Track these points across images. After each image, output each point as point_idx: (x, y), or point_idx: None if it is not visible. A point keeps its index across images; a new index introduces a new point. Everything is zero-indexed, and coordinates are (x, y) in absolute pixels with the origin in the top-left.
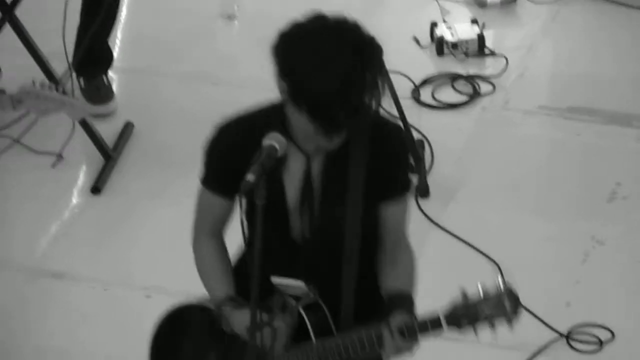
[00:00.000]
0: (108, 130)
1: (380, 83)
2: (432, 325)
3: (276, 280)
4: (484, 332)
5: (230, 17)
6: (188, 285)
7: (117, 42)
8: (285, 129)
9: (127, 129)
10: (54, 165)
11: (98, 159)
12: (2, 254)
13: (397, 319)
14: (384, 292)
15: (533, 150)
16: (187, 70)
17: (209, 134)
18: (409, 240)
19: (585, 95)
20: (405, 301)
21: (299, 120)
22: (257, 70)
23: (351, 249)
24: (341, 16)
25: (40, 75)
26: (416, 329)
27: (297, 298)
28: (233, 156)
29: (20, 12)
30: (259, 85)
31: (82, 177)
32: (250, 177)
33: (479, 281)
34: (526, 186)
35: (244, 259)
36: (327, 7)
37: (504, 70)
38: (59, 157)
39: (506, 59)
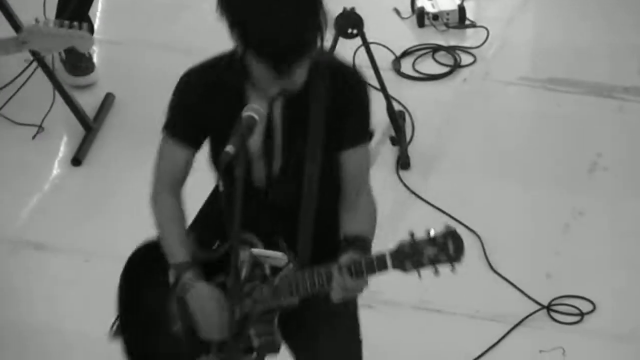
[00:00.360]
0: (89, 102)
1: (324, 20)
2: (379, 264)
3: (256, 251)
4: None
5: None
6: None
7: (97, 13)
8: (246, 74)
9: (107, 100)
10: (34, 137)
11: (79, 130)
12: None
13: (346, 258)
14: (342, 236)
15: (514, 121)
16: (168, 41)
17: (179, 81)
18: (370, 188)
19: (566, 66)
20: (360, 243)
21: (253, 66)
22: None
23: (310, 191)
24: None
25: None
26: (363, 268)
27: (276, 269)
28: (198, 104)
29: None
30: None
31: (63, 149)
32: (229, 148)
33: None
34: (507, 157)
35: (209, 208)
36: None
37: (485, 41)
38: (40, 128)
39: (487, 30)
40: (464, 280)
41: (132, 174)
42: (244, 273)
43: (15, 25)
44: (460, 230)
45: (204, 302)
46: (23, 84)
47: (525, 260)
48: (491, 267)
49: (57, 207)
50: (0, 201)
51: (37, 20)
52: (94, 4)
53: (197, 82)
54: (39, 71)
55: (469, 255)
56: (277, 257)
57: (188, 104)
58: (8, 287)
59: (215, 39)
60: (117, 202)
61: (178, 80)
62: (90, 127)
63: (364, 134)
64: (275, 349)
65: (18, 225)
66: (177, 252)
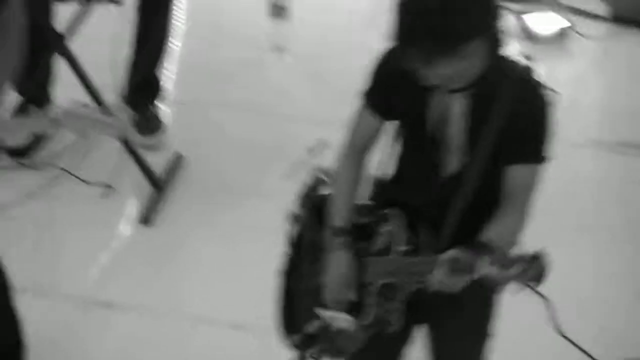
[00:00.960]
0: (158, 162)
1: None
2: (471, 266)
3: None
4: None
5: (281, 50)
6: (235, 316)
7: (168, 73)
8: None
9: (177, 160)
10: (103, 196)
11: (148, 189)
12: (52, 284)
13: (453, 252)
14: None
15: (583, 183)
16: (237, 101)
17: (379, 53)
18: (527, 209)
19: (636, 129)
20: (483, 247)
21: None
22: (306, 102)
23: (465, 192)
24: None
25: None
26: (460, 266)
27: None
28: (394, 81)
29: (71, 43)
30: (307, 116)
31: (132, 208)
32: None
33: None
34: (577, 220)
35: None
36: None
37: (554, 103)
38: (109, 187)
39: (556, 92)
40: (531, 343)
41: (201, 233)
42: (377, 245)
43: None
44: (529, 292)
45: (338, 268)
46: (93, 143)
47: (595, 324)
48: (560, 332)
49: (126, 265)
50: (69, 260)
51: (73, 103)
52: (164, 63)
53: (397, 56)
54: None
55: (536, 318)
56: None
57: (387, 80)
58: (78, 346)
59: (284, 101)
60: (186, 261)
61: (382, 52)
62: (159, 186)
63: (537, 155)
64: (387, 327)
65: (88, 284)
66: (339, 215)
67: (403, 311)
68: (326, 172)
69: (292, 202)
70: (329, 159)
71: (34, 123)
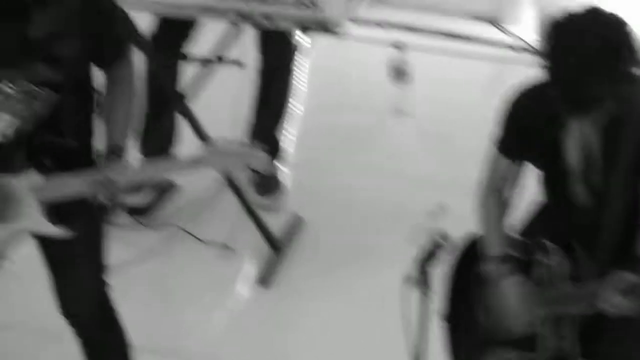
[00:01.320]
0: (277, 223)
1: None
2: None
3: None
4: None
5: (402, 113)
6: None
7: (289, 135)
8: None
9: (296, 222)
10: (221, 256)
11: (266, 251)
12: (168, 343)
13: (617, 277)
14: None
15: None
16: (357, 164)
17: (506, 102)
18: None
19: None
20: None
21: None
22: (426, 166)
23: (612, 218)
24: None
25: None
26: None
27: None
28: (524, 124)
29: (192, 103)
30: (427, 180)
31: (250, 269)
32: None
33: None
34: None
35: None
36: None
37: None
38: (227, 247)
39: None
40: None
41: (318, 296)
42: (538, 275)
43: (202, 136)
44: None
45: (516, 292)
46: (212, 204)
47: None
48: None
49: (243, 327)
50: (186, 320)
51: (212, 139)
52: (285, 125)
53: (524, 104)
54: (229, 191)
55: None
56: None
57: (516, 124)
58: None
59: (405, 164)
60: (303, 324)
61: (509, 99)
62: (278, 248)
63: None
64: (563, 353)
65: (204, 345)
66: (495, 245)
67: (576, 338)
68: (445, 237)
69: (411, 266)
70: (449, 223)
71: (175, 165)
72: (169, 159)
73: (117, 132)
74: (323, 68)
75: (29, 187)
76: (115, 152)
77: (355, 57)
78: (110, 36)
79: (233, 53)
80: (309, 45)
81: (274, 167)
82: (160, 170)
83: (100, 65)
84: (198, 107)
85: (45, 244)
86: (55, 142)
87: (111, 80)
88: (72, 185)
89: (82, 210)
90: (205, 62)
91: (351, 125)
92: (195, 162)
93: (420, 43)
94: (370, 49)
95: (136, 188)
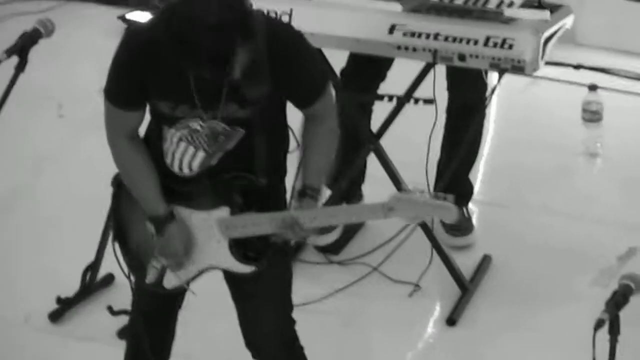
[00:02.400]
0: (466, 262)
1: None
2: None
3: None
4: None
5: (593, 155)
6: None
7: (478, 175)
8: None
9: (485, 262)
10: (411, 295)
11: (454, 290)
12: None
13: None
14: None
15: None
16: (546, 205)
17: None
18: None
19: None
20: None
21: None
22: (616, 208)
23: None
24: None
25: None
26: None
27: None
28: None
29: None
30: (617, 222)
31: (438, 308)
32: None
33: None
34: None
35: None
36: None
37: None
38: (416, 286)
39: None
40: None
41: (505, 336)
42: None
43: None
44: None
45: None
46: (402, 242)
47: None
48: None
49: None
50: (374, 357)
51: (403, 189)
52: (475, 166)
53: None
54: (419, 230)
55: None
56: None
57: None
58: None
59: (594, 206)
60: None
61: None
62: (466, 287)
63: None
64: None
65: None
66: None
67: None
68: (636, 280)
69: (600, 310)
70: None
71: (365, 212)
72: (360, 206)
73: (313, 173)
74: (512, 106)
75: (219, 223)
76: (309, 193)
77: (546, 96)
78: (302, 78)
79: (421, 91)
80: (498, 83)
81: (466, 210)
82: (349, 217)
83: (297, 105)
84: (388, 145)
85: (233, 278)
86: (247, 180)
87: (310, 120)
88: (261, 224)
89: (270, 247)
90: (398, 100)
91: (540, 165)
92: (386, 210)
93: (614, 84)
94: (562, 88)
95: (326, 229)
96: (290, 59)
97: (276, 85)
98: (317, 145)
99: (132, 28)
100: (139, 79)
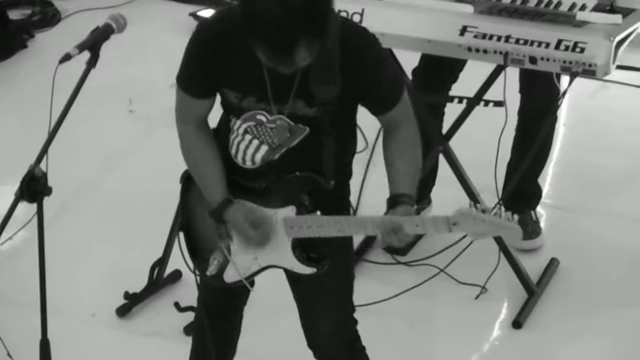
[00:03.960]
0: (533, 265)
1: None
2: None
3: None
4: None
5: None
6: None
7: (547, 178)
8: None
9: (552, 265)
10: (477, 297)
11: (521, 293)
12: None
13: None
14: None
15: None
16: (615, 209)
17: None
18: None
19: None
20: None
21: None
22: None
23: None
24: None
25: None
26: None
27: None
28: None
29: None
30: None
31: (504, 311)
32: None
33: None
34: None
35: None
36: None
37: None
38: (483, 289)
39: None
40: None
41: (570, 340)
42: None
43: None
44: None
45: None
46: (469, 244)
47: None
48: None
49: None
50: (440, 359)
51: (470, 204)
52: (545, 169)
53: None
54: None
55: None
56: None
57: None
58: None
59: None
60: None
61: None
62: (533, 290)
63: None
64: None
65: None
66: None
67: None
68: None
69: None
70: None
71: (429, 224)
72: (424, 217)
73: (404, 181)
74: (583, 109)
75: (284, 222)
76: (404, 201)
77: (617, 100)
78: (377, 84)
79: (493, 93)
80: (569, 86)
81: (534, 213)
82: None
83: (373, 112)
84: (458, 147)
85: (295, 278)
86: (315, 181)
87: (388, 128)
88: (328, 226)
89: (333, 248)
90: (468, 102)
91: (609, 169)
92: (450, 225)
93: None
94: (633, 92)
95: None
96: (364, 64)
97: (348, 90)
98: (401, 153)
99: (206, 18)
100: (211, 67)
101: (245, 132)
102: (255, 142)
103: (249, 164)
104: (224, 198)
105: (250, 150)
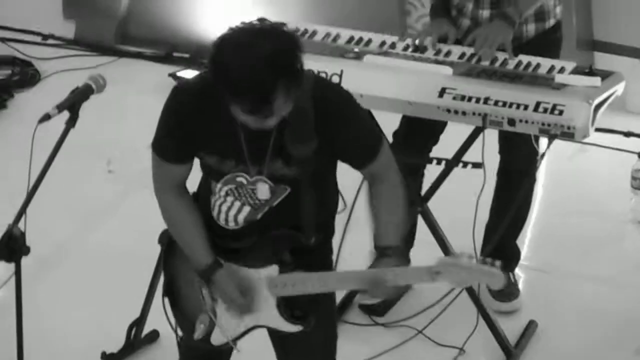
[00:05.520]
0: (511, 327)
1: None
2: None
3: None
4: None
5: None
6: None
7: (526, 239)
8: None
9: (530, 327)
10: (455, 359)
11: (499, 355)
12: None
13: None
14: None
15: None
16: (593, 272)
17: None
18: None
19: None
20: None
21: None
22: None
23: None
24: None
25: None
26: None
27: None
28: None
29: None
30: None
31: None
32: None
33: None
34: None
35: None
36: None
37: None
38: (461, 350)
39: None
40: None
41: None
42: None
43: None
44: None
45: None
46: (447, 306)
47: None
48: None
49: None
50: None
51: (451, 254)
52: (523, 231)
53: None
54: (464, 294)
55: None
56: None
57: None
58: None
59: None
60: None
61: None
62: (511, 353)
63: None
64: None
65: None
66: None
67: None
68: None
69: None
70: None
71: (412, 275)
72: (406, 268)
73: (388, 233)
74: (561, 172)
75: (268, 281)
76: (388, 253)
77: (595, 163)
78: (353, 139)
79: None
80: (547, 148)
81: (512, 275)
82: (395, 279)
83: (353, 166)
84: (436, 209)
85: (278, 336)
86: (295, 238)
87: (371, 181)
88: (309, 283)
89: (318, 304)
90: (446, 163)
91: (588, 232)
92: (433, 274)
93: None
94: (611, 154)
95: None
96: (339, 120)
97: (325, 146)
98: (384, 205)
99: (181, 82)
100: (187, 133)
101: (227, 194)
102: (237, 203)
103: (231, 225)
104: (213, 260)
105: (232, 212)
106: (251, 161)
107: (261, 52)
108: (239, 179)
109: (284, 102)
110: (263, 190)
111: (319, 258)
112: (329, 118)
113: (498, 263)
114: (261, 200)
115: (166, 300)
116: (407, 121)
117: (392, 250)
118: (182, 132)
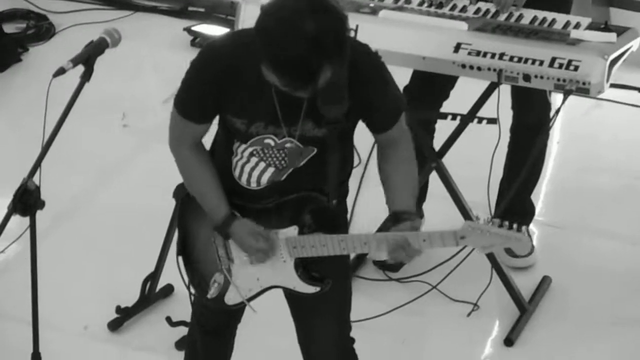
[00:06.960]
0: (525, 283)
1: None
2: None
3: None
4: None
5: None
6: None
7: (540, 195)
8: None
9: (544, 283)
10: (469, 314)
11: (513, 310)
12: None
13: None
14: None
15: None
16: (607, 228)
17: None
18: None
19: None
20: None
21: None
22: None
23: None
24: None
25: None
26: None
27: None
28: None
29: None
30: None
31: (496, 328)
32: None
33: None
34: None
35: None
36: None
37: None
38: (475, 306)
39: None
40: None
41: (564, 359)
42: None
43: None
44: None
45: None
46: (462, 261)
47: None
48: None
49: None
50: None
51: (477, 217)
52: (537, 186)
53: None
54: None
55: None
56: None
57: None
58: None
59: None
60: None
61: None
62: (525, 308)
63: None
64: None
65: None
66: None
67: None
68: None
69: None
70: None
71: (436, 239)
72: (431, 232)
73: (404, 197)
74: (576, 127)
75: (286, 242)
76: (406, 217)
77: (610, 119)
78: (382, 103)
79: (485, 109)
80: (562, 104)
81: (527, 230)
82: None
83: (375, 130)
84: (450, 165)
85: (293, 296)
86: (318, 201)
87: (385, 147)
88: (334, 245)
89: (334, 266)
90: (461, 119)
91: (602, 187)
92: (458, 239)
93: None
94: (626, 110)
95: None
96: (371, 85)
97: (354, 108)
98: (399, 170)
99: (213, 43)
100: (214, 95)
101: (251, 154)
102: (262, 164)
103: (254, 186)
104: (229, 212)
105: (255, 172)
106: (284, 122)
107: (307, 33)
108: (266, 140)
109: (327, 79)
110: (293, 151)
111: (336, 218)
112: (362, 82)
113: (524, 228)
114: (287, 162)
115: (180, 259)
116: (418, 76)
117: (409, 214)
118: (209, 92)
